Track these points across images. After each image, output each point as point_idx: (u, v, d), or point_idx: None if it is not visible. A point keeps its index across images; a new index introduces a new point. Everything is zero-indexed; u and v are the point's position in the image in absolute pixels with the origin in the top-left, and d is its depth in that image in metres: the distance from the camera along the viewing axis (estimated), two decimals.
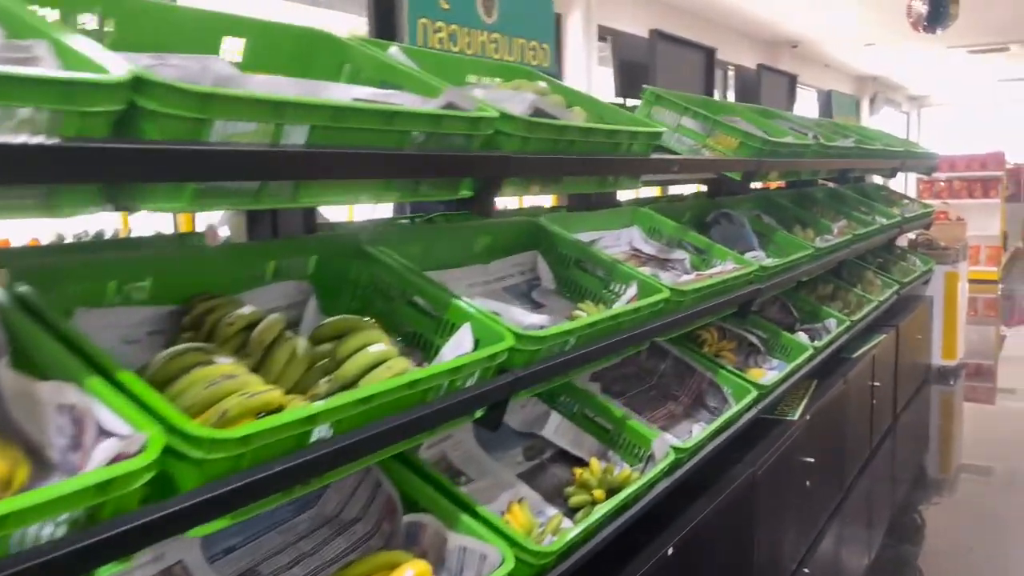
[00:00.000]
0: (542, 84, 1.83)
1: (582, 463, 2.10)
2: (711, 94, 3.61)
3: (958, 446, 5.35)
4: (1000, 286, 11.36)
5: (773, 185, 4.86)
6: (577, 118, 1.75)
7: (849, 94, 6.76)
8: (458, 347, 1.44)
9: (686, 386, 2.76)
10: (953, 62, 13.62)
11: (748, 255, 2.81)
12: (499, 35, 2.21)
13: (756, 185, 6.50)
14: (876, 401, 4.49)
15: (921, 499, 4.43)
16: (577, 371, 1.78)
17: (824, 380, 3.71)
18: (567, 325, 1.58)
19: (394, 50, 1.60)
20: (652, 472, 1.97)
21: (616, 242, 2.70)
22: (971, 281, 11.14)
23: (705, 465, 2.44)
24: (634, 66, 3.07)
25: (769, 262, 2.74)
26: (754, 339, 3.26)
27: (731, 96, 8.95)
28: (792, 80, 4.60)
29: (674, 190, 4.54)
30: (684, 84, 3.36)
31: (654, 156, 1.99)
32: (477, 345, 1.46)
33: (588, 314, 1.93)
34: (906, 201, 5.99)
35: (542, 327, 1.59)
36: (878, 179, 6.22)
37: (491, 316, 1.49)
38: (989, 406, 6.29)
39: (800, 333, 3.40)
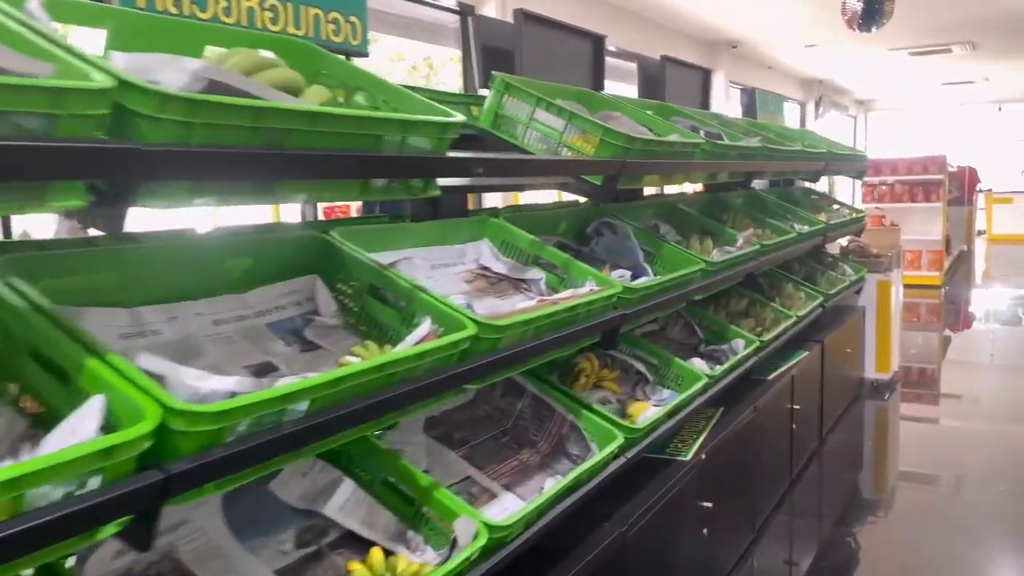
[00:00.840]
0: (270, 55, 1.36)
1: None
2: (600, 87, 3.18)
3: (895, 461, 5.01)
4: (944, 290, 11.21)
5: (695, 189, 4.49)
6: (312, 100, 1.30)
7: (777, 93, 6.41)
8: (72, 434, 0.97)
9: (546, 430, 2.32)
10: (896, 64, 13.50)
11: (615, 274, 2.38)
12: (277, 2, 1.74)
13: (676, 189, 6.15)
14: (797, 426, 4.11)
15: (855, 521, 4.07)
16: (310, 448, 1.32)
17: (731, 408, 3.31)
18: (266, 393, 1.11)
19: (33, 4, 1.13)
20: (453, 561, 1.52)
21: (459, 259, 2.26)
22: (913, 286, 11.05)
23: (559, 529, 2.01)
24: (499, 53, 2.64)
25: (640, 282, 2.32)
26: (640, 367, 2.84)
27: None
28: (706, 75, 4.21)
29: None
30: (565, 75, 2.93)
31: (457, 155, 1.55)
32: (110, 427, 1.00)
33: (362, 359, 1.48)
34: (836, 206, 5.66)
35: (233, 393, 1.12)
36: (824, 182, 5.91)
37: (138, 381, 1.03)
38: (932, 412, 6.02)
39: (695, 360, 2.99)
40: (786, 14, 9.51)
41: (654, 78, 3.70)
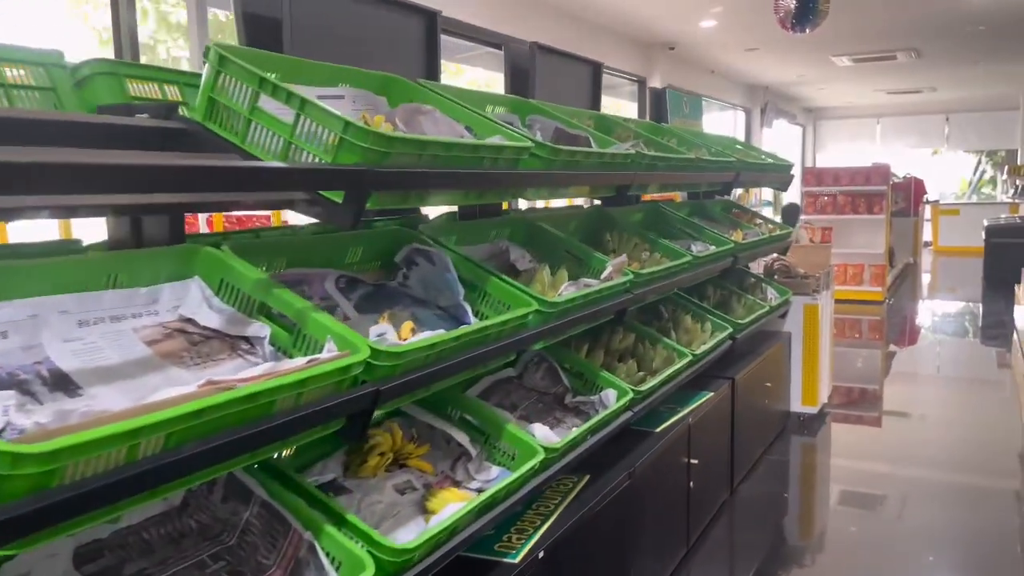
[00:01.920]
0: None
1: None
2: (436, 74, 2.53)
3: (825, 500, 4.45)
4: (888, 303, 10.80)
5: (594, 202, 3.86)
6: None
7: (696, 94, 5.83)
8: None
9: (279, 550, 1.65)
10: (841, 72, 13.13)
11: (375, 332, 1.72)
12: None
13: (564, 203, 5.52)
14: (696, 482, 3.49)
15: (777, 572, 3.50)
16: None
17: (601, 475, 2.68)
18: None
19: None
20: None
21: (146, 307, 1.57)
22: (855, 302, 10.63)
23: None
24: (266, 21, 1.96)
25: (413, 343, 1.65)
26: (462, 437, 2.18)
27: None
28: (595, 69, 3.58)
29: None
30: (390, 62, 2.27)
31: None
32: None
33: None
34: (759, 221, 5.08)
35: None
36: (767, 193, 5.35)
37: None
38: (873, 435, 5.57)
39: (536, 427, 2.33)
40: (722, 15, 8.99)
41: (522, 69, 3.07)
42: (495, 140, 2.01)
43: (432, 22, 2.48)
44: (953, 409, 6.19)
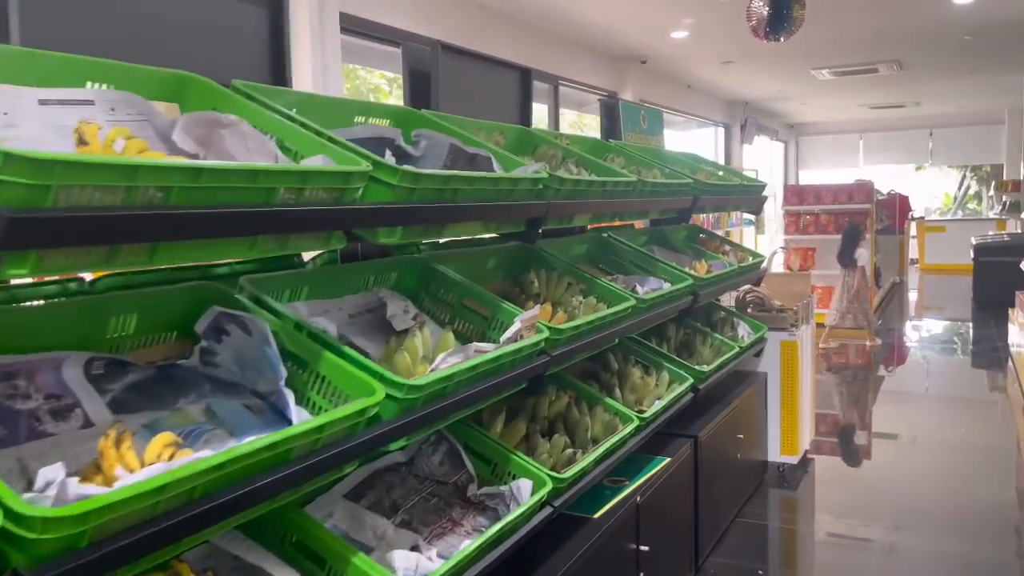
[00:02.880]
0: None
1: None
2: (283, 77, 1.94)
3: (809, 558, 3.86)
4: (876, 324, 10.24)
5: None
6: None
7: (655, 107, 5.26)
8: None
9: None
10: (822, 86, 12.67)
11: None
12: None
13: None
14: (646, 571, 2.88)
15: None
16: None
17: None
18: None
19: None
20: None
21: None
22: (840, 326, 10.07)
23: None
24: None
25: (131, 481, 1.04)
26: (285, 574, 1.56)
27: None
28: (524, 76, 3.01)
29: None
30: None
31: None
32: None
33: None
34: (727, 248, 4.51)
35: None
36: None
37: None
38: (864, 477, 5.07)
39: (396, 555, 1.72)
40: (694, 26, 8.48)
41: (422, 73, 2.49)
42: (311, 163, 1.41)
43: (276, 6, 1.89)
44: (947, 446, 5.63)
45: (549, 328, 2.14)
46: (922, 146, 18.75)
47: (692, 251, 4.13)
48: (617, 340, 2.75)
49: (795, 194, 10.79)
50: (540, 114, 8.78)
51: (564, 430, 2.62)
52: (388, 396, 1.54)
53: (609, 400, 2.79)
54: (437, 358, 1.72)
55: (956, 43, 9.55)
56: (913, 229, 15.73)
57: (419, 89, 2.46)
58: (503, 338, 1.97)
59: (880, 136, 18.73)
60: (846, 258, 9.30)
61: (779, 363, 4.69)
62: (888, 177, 18.19)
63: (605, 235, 3.56)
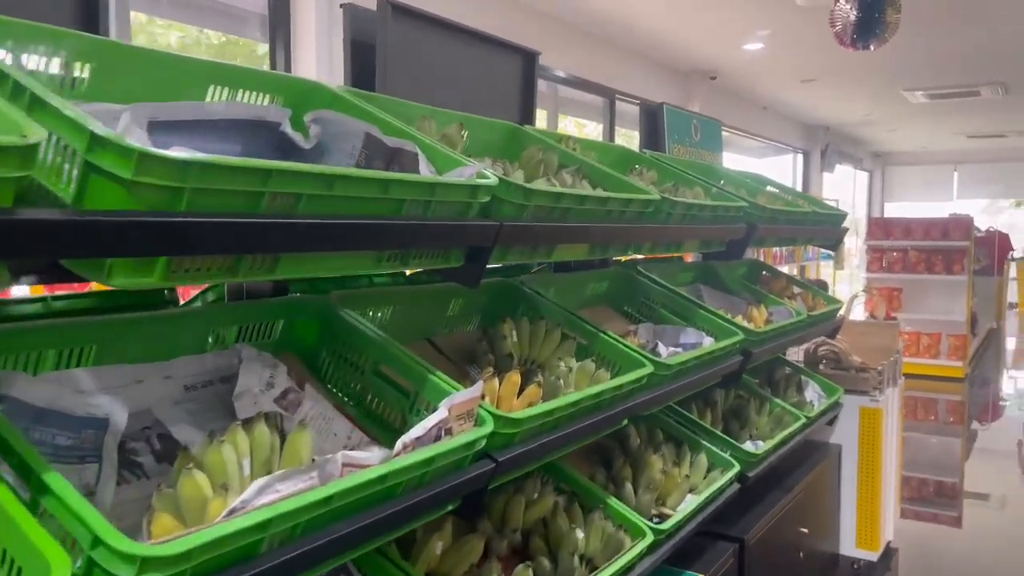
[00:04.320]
0: None
1: None
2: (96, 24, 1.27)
3: None
4: (968, 380, 9.07)
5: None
6: None
7: (712, 119, 4.45)
8: None
9: None
10: (914, 110, 11.55)
11: None
12: None
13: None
14: None
15: None
16: None
17: None
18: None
19: None
20: None
21: None
22: (930, 377, 8.95)
23: None
24: None
25: None
26: None
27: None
28: (528, 60, 2.28)
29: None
30: None
31: None
32: None
33: None
34: (796, 290, 3.66)
35: None
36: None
37: None
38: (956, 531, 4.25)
39: None
40: (771, 37, 7.62)
41: (365, 46, 1.81)
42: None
43: None
44: None
45: (496, 418, 1.39)
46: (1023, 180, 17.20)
47: (750, 293, 3.31)
48: (626, 421, 1.97)
49: (880, 227, 9.74)
50: (592, 131, 8.05)
51: (545, 547, 1.86)
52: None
53: (614, 502, 2.01)
54: (250, 487, 0.99)
55: None
56: (1012, 270, 14.30)
57: (361, 63, 1.79)
58: (406, 438, 1.23)
59: (976, 168, 17.27)
60: None
61: (857, 434, 3.80)
62: (982, 213, 16.72)
63: (635, 270, 2.79)
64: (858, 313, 7.83)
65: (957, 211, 13.87)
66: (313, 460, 1.15)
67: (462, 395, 1.36)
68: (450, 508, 1.37)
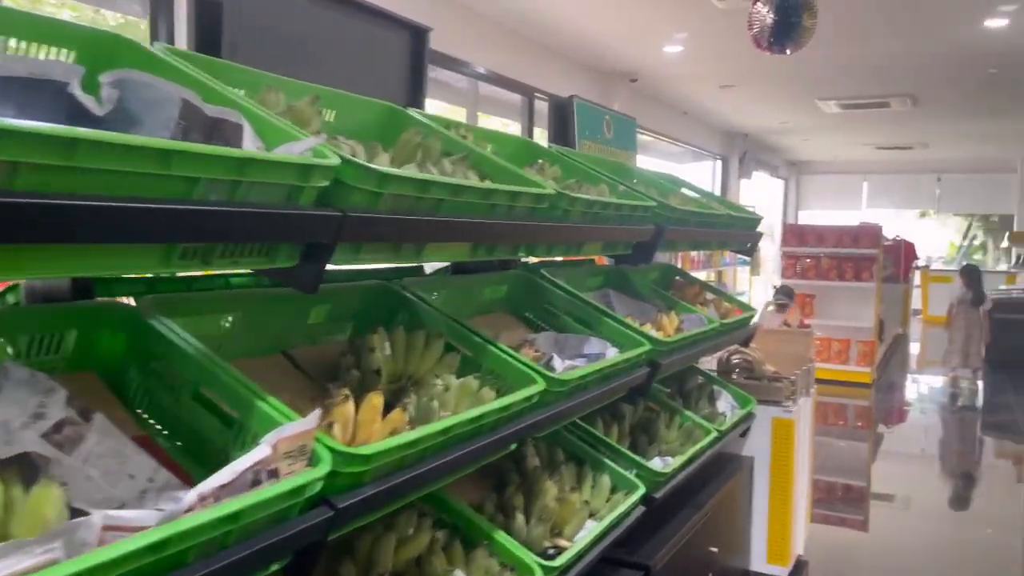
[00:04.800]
0: None
1: None
2: None
3: None
4: (875, 385, 9.24)
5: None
6: None
7: (626, 116, 4.27)
8: None
9: None
10: (827, 121, 11.77)
11: None
12: None
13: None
14: None
15: None
16: None
17: None
18: None
19: None
20: None
21: None
22: (839, 383, 9.08)
23: None
24: None
25: None
26: None
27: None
28: (417, 37, 2.02)
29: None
30: None
31: None
32: None
33: None
34: (708, 296, 3.51)
35: None
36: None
37: None
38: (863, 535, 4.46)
39: None
40: (690, 40, 7.56)
41: (211, 5, 1.52)
42: None
43: None
44: (959, 544, 4.63)
45: (337, 454, 1.13)
46: (928, 191, 17.88)
47: (662, 300, 3.14)
48: (514, 445, 1.73)
49: (795, 234, 9.85)
50: (514, 131, 7.85)
51: None
52: None
53: (501, 536, 1.77)
54: None
55: (978, 77, 8.65)
56: (916, 278, 14.80)
57: (208, 25, 1.51)
58: (205, 487, 0.96)
59: (885, 179, 17.87)
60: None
61: (770, 445, 3.68)
62: (889, 223, 17.27)
63: (538, 274, 2.56)
64: (774, 320, 7.86)
65: (866, 220, 14.25)
66: (71, 522, 0.87)
67: (292, 427, 1.09)
68: (275, 568, 1.10)
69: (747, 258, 12.05)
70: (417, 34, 2.09)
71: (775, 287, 9.47)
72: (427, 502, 1.82)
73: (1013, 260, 13.24)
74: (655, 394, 3.07)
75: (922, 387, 10.40)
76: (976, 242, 20.91)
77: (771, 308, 7.82)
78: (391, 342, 1.68)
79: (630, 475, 2.38)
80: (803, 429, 3.85)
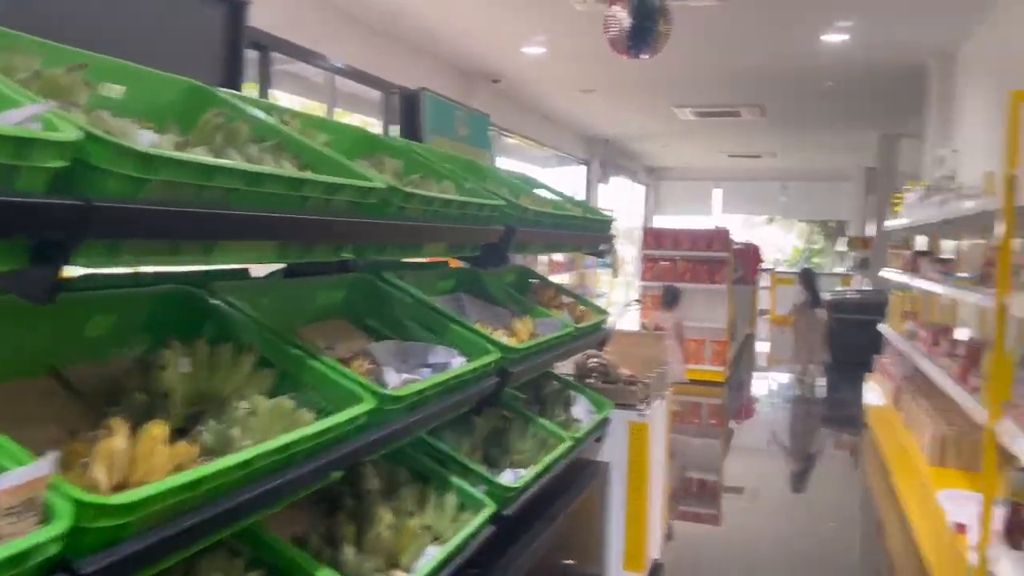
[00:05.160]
0: None
1: None
2: None
3: None
4: (727, 384, 9.60)
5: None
6: None
7: (480, 112, 4.16)
8: None
9: None
10: (684, 128, 12.19)
11: None
12: None
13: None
14: None
15: None
16: None
17: None
18: None
19: None
20: None
21: None
22: (693, 382, 9.37)
23: None
24: None
25: None
26: None
27: None
28: (234, 10, 1.78)
29: None
30: None
31: None
32: None
33: None
34: (564, 300, 3.43)
35: None
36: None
37: None
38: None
39: None
40: (550, 43, 7.56)
41: None
42: None
43: None
44: (802, 533, 4.81)
45: (82, 506, 0.89)
46: (775, 199, 18.94)
47: (516, 304, 3.01)
48: (340, 473, 1.53)
49: (653, 237, 10.10)
50: (375, 129, 7.57)
51: None
52: None
53: (326, 574, 1.56)
54: None
55: (818, 89, 9.16)
56: (764, 280, 15.60)
57: None
58: None
59: (736, 186, 18.78)
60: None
61: (626, 450, 3.64)
62: (739, 228, 18.15)
63: (379, 276, 2.36)
64: (632, 322, 8.08)
65: (720, 225, 14.90)
66: None
67: (16, 476, 0.85)
68: None
69: (604, 260, 12.24)
70: (234, 9, 1.85)
71: (634, 290, 9.68)
72: (240, 538, 1.59)
73: (851, 263, 14.18)
74: (510, 402, 2.94)
75: (771, 384, 10.91)
76: (816, 246, 22.39)
77: (654, 310, 8.30)
78: (193, 357, 1.45)
79: (479, 492, 2.23)
80: (658, 432, 3.84)
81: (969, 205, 4.11)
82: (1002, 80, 4.99)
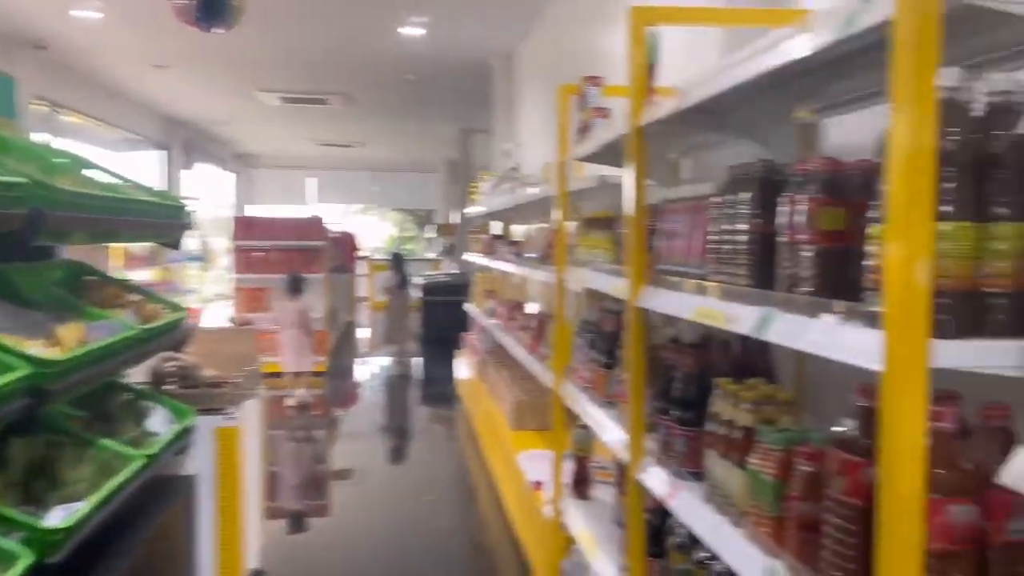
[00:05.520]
0: None
1: None
2: None
3: None
4: (329, 373, 9.54)
5: None
6: None
7: (62, 108, 3.48)
8: None
9: None
10: (271, 113, 11.77)
11: None
12: None
13: None
14: None
15: None
16: None
17: None
18: None
19: None
20: None
21: None
22: (298, 375, 9.13)
23: None
24: None
25: None
26: None
27: None
28: None
29: None
30: None
31: None
32: None
33: None
34: (134, 298, 2.98)
35: None
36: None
37: None
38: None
39: None
40: (107, 7, 6.65)
41: None
42: None
43: None
44: (406, 511, 4.97)
45: None
46: (367, 188, 19.42)
47: (60, 307, 2.51)
48: None
49: (245, 227, 9.59)
50: None
51: None
52: None
53: None
54: None
55: (400, 81, 9.50)
56: (362, 268, 15.92)
57: None
58: None
59: (329, 175, 18.82)
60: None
61: (214, 459, 3.31)
62: (337, 217, 18.27)
63: None
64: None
65: (315, 215, 14.78)
66: None
67: None
68: None
69: (194, 253, 11.31)
70: None
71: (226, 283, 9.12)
72: None
73: (441, 249, 15.11)
74: (60, 423, 2.46)
75: (372, 368, 11.13)
76: (409, 234, 23.52)
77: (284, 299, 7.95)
78: None
79: (12, 542, 1.79)
80: (252, 436, 3.58)
81: (532, 192, 4.54)
82: (553, 77, 5.62)
